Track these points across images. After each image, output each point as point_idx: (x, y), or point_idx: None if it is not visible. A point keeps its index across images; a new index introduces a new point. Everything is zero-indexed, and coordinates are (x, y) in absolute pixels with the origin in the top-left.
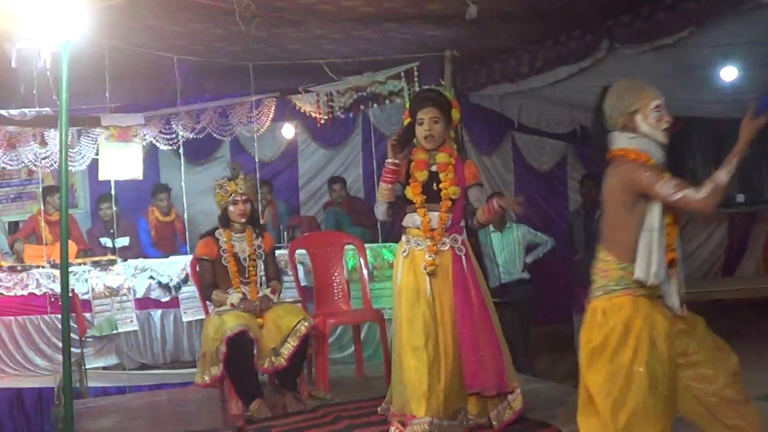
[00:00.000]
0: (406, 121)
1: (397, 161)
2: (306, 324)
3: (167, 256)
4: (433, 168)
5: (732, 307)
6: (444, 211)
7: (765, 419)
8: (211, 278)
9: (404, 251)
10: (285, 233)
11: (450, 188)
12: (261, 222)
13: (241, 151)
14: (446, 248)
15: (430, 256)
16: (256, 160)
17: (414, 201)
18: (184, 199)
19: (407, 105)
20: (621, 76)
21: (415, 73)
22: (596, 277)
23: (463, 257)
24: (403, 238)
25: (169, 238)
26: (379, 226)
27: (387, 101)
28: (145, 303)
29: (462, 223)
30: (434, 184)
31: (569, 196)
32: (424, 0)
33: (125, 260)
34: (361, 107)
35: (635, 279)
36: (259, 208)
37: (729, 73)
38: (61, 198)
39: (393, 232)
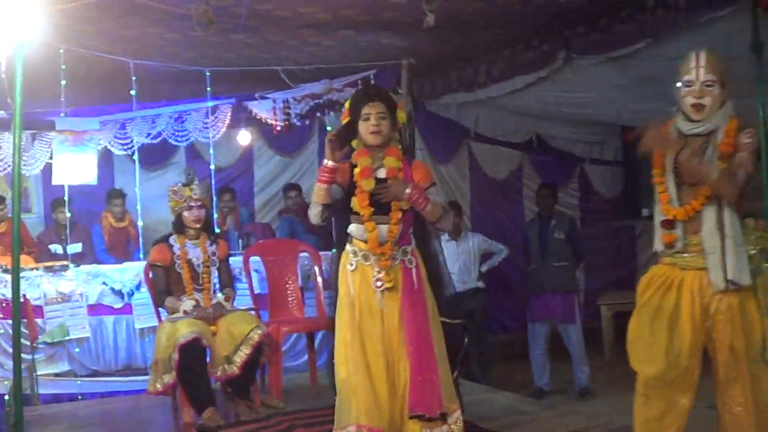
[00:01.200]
0: (345, 121)
1: (334, 161)
2: (259, 332)
3: (121, 262)
4: (380, 174)
5: None
6: (394, 224)
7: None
8: (164, 285)
9: (351, 264)
10: (240, 240)
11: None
12: (223, 229)
13: (197, 157)
14: (396, 262)
15: (380, 272)
16: (212, 166)
17: (361, 214)
18: (138, 205)
19: (346, 105)
20: (578, 87)
21: (372, 81)
22: None
23: (414, 270)
24: (349, 248)
25: (123, 244)
26: (334, 234)
27: (343, 109)
28: (97, 309)
29: (411, 231)
30: (382, 194)
31: (525, 205)
32: (381, 8)
33: (78, 266)
34: (318, 114)
35: None
36: (215, 215)
37: None
38: (14, 202)
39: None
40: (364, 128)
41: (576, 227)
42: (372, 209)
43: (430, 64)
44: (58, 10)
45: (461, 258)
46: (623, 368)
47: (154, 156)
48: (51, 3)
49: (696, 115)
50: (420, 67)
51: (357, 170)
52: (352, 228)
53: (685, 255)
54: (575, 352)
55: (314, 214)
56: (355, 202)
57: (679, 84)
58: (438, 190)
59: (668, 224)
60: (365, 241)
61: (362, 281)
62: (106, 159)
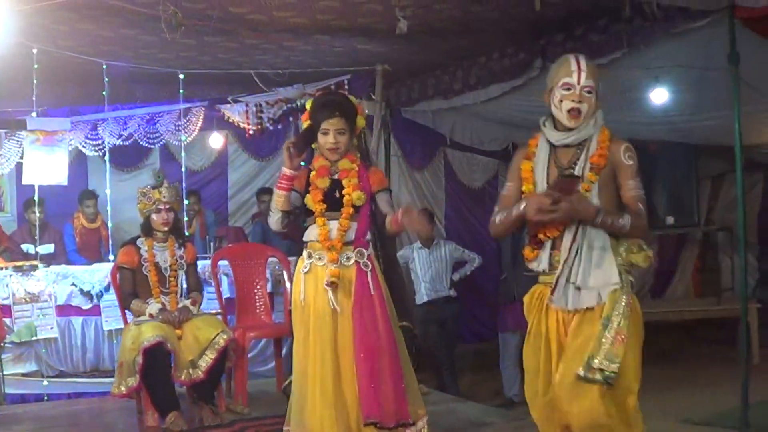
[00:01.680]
0: (305, 124)
1: (292, 169)
2: (224, 336)
3: (92, 263)
4: (336, 175)
5: (660, 329)
6: (344, 218)
7: None
8: (130, 287)
9: (305, 267)
10: (211, 244)
11: (354, 193)
12: (188, 232)
13: (171, 159)
14: (351, 263)
15: (332, 266)
16: (183, 168)
17: (314, 210)
18: (109, 206)
19: (306, 106)
20: None
21: (346, 87)
22: None
23: (369, 273)
24: (305, 253)
25: (94, 245)
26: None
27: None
28: (66, 310)
29: (368, 237)
30: (336, 192)
31: None
32: (355, 14)
33: (48, 266)
34: (291, 119)
35: None
36: (184, 217)
37: (660, 96)
38: None
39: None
40: (324, 142)
41: None
42: (324, 206)
43: (407, 71)
44: (31, 9)
45: (433, 266)
46: None
47: (128, 157)
48: (23, 2)
49: (572, 122)
50: (396, 73)
51: (313, 171)
52: (307, 232)
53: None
54: None
55: (274, 221)
56: (309, 199)
57: (550, 87)
58: (392, 196)
59: (536, 242)
60: (318, 240)
61: (316, 284)
62: (79, 160)
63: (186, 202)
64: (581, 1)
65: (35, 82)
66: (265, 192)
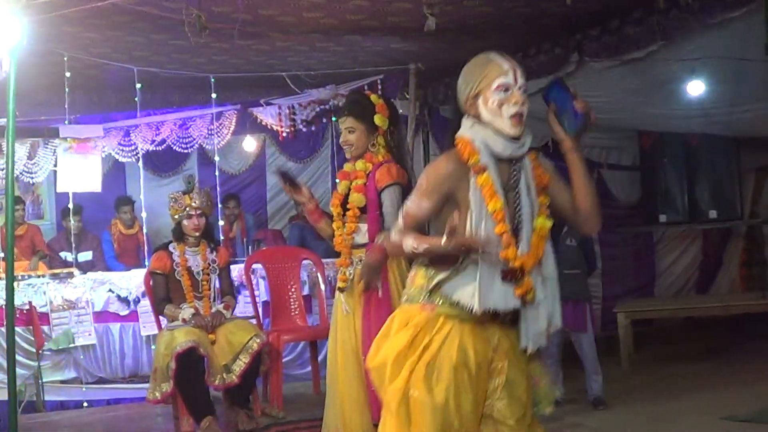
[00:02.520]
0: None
1: (302, 199)
2: (258, 340)
3: (130, 269)
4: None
5: (706, 325)
6: (349, 222)
7: None
8: (163, 292)
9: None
10: (250, 247)
11: (352, 195)
12: (229, 236)
13: (208, 164)
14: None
15: (341, 272)
16: (216, 174)
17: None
18: (144, 212)
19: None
20: (591, 90)
21: (380, 86)
22: None
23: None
24: None
25: (133, 251)
26: None
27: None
28: (103, 316)
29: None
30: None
31: None
32: (386, 13)
33: (84, 273)
34: (324, 120)
35: None
36: (219, 222)
37: (697, 88)
38: (6, 210)
39: None
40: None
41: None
42: (340, 209)
43: (442, 69)
44: (62, 18)
45: None
46: (639, 378)
47: (165, 163)
48: (52, 10)
49: (516, 129)
50: (433, 71)
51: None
52: None
53: None
54: (587, 361)
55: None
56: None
57: (476, 92)
58: (399, 192)
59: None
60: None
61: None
62: (117, 166)
63: (220, 206)
64: None
65: (67, 89)
66: None
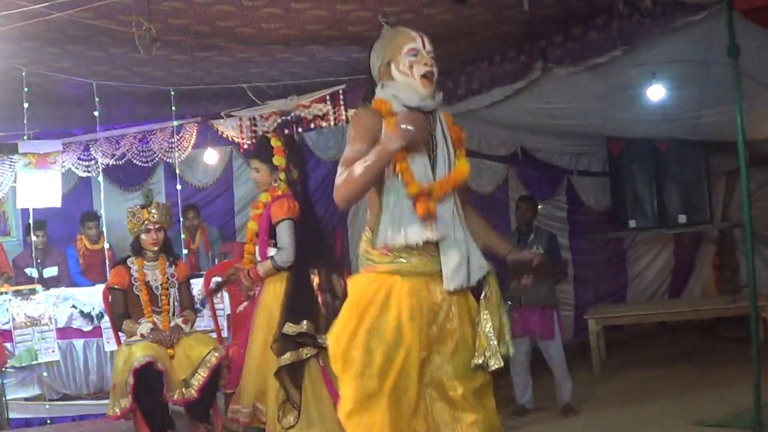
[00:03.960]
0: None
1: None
2: (216, 354)
3: (95, 285)
4: None
5: (678, 329)
6: (248, 243)
7: None
8: (122, 308)
9: None
10: (216, 260)
11: (249, 222)
12: (191, 248)
13: (174, 178)
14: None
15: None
16: (178, 186)
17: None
18: (104, 227)
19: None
20: (557, 97)
21: (341, 96)
22: None
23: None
24: None
25: (98, 266)
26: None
27: (312, 125)
28: (67, 332)
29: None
30: None
31: (511, 219)
32: (345, 22)
33: (48, 289)
34: (286, 131)
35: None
36: (182, 235)
37: (658, 92)
38: None
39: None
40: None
41: (555, 242)
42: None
43: None
44: (20, 32)
45: None
46: (611, 384)
47: (131, 177)
48: (7, 23)
49: (427, 89)
50: None
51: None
52: None
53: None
54: (556, 368)
55: None
56: None
57: (388, 60)
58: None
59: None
60: None
61: None
62: (84, 181)
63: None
64: (577, 0)
65: (26, 104)
66: None
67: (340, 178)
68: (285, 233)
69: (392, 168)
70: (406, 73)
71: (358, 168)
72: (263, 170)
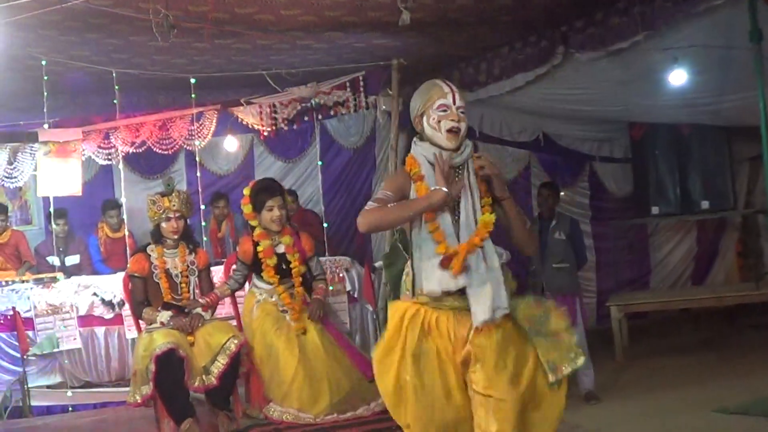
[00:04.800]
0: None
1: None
2: (236, 341)
3: (117, 273)
4: (279, 250)
5: (701, 316)
6: (298, 285)
7: None
8: (142, 295)
9: None
10: (237, 247)
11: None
12: (218, 235)
13: (196, 165)
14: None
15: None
16: (197, 174)
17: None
18: (125, 215)
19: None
20: (580, 83)
21: (362, 83)
22: None
23: None
24: None
25: (120, 254)
26: (325, 240)
27: (332, 111)
28: (88, 320)
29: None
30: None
31: (533, 205)
32: (365, 8)
33: (69, 277)
34: (306, 118)
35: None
36: (202, 223)
37: (680, 77)
38: None
39: (342, 247)
40: (269, 216)
41: (578, 228)
42: (278, 277)
43: (426, 64)
44: (38, 22)
45: None
46: (633, 371)
47: (153, 165)
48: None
49: (452, 142)
50: (418, 67)
51: (260, 249)
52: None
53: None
54: None
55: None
56: (265, 275)
57: (422, 112)
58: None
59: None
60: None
61: None
62: (105, 169)
63: (205, 206)
64: None
65: (46, 93)
66: (289, 194)
67: (371, 206)
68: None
69: (419, 223)
70: (434, 127)
71: (396, 206)
72: (286, 210)
